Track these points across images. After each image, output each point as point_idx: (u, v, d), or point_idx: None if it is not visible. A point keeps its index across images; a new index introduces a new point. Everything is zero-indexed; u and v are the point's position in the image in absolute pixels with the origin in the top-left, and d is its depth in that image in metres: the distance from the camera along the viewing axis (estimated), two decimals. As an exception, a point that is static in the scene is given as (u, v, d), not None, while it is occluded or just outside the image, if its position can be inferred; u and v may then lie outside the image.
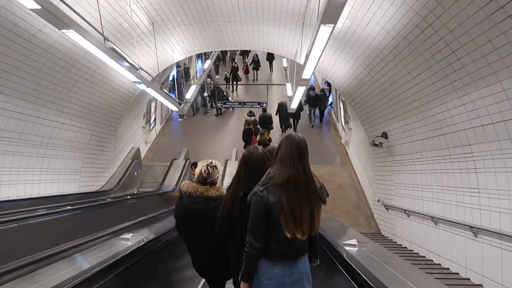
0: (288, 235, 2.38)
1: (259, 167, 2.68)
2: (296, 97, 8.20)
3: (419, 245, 7.91)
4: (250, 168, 2.73)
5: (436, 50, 5.92)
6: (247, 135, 12.62)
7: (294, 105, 9.29)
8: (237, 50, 24.19)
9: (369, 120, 9.95)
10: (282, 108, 14.35)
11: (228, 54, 24.12)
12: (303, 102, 17.33)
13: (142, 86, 7.02)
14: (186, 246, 3.31)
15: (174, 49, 9.83)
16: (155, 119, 15.70)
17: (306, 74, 6.37)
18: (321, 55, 5.64)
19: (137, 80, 6.65)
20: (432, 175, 7.33)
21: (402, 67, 7.13)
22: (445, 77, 6.14)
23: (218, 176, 3.20)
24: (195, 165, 9.01)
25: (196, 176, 3.14)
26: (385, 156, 9.82)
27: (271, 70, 24.09)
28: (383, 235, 9.93)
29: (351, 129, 14.28)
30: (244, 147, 12.66)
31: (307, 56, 5.90)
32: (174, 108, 9.46)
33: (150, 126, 14.94)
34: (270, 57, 24.41)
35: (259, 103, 12.83)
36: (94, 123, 9.77)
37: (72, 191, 9.31)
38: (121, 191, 10.99)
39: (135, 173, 12.35)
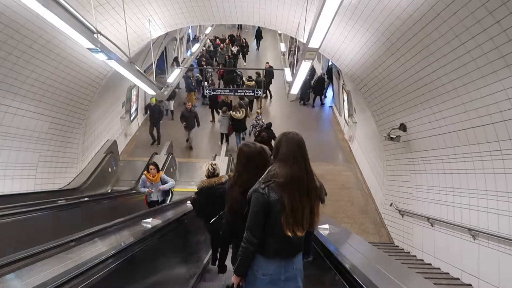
0: (289, 233, 2.40)
1: (259, 161, 2.79)
2: (299, 77, 6.66)
3: (448, 262, 6.38)
4: (249, 162, 2.83)
5: (480, 16, 4.39)
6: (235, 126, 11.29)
7: (295, 89, 7.75)
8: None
9: (382, 110, 8.40)
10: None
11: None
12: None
13: (101, 56, 5.41)
14: (204, 222, 4.46)
15: (151, 20, 8.21)
16: (136, 109, 14.04)
17: (315, 41, 4.80)
18: (335, 15, 4.08)
19: (92, 46, 5.04)
20: (470, 176, 5.79)
21: (431, 41, 5.59)
22: (493, 50, 4.61)
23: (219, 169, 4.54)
24: (155, 165, 7.17)
25: (206, 173, 4.50)
26: (401, 152, 8.29)
27: (258, 48, 25.35)
28: (397, 246, 8.41)
29: (356, 123, 12.75)
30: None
31: (316, 16, 4.33)
32: (151, 91, 7.90)
33: (130, 117, 13.30)
34: (259, 35, 25.68)
35: (253, 91, 11.28)
36: (55, 109, 8.13)
37: (26, 190, 7.70)
38: (90, 190, 9.35)
39: (109, 169, 10.72)
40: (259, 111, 12.83)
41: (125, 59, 6.83)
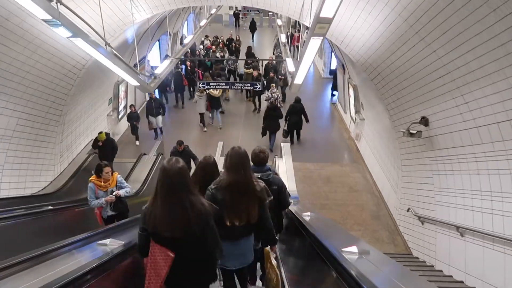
0: (228, 223, 3.08)
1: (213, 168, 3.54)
2: (305, 62, 5.61)
3: (486, 280, 5.33)
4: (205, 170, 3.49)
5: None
6: None
7: (300, 78, 6.71)
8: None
9: (399, 102, 7.36)
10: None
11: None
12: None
13: (62, 32, 4.37)
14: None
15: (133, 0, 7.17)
16: (125, 106, 12.98)
17: (328, 9, 3.76)
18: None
19: (49, 17, 4.00)
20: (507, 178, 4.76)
21: (469, 12, 4.54)
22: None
23: None
24: (99, 170, 5.83)
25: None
26: (420, 150, 7.25)
27: (252, 40, 25.35)
28: (417, 258, 7.36)
29: (363, 120, 11.71)
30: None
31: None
32: (134, 82, 6.86)
33: (118, 115, 12.24)
34: (253, 26, 26.43)
35: (251, 84, 10.24)
36: (23, 102, 7.08)
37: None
38: (69, 195, 8.30)
39: (92, 171, 9.63)
40: (274, 84, 13.12)
41: (102, 42, 5.79)
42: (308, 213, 4.64)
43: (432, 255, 6.88)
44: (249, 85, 10.23)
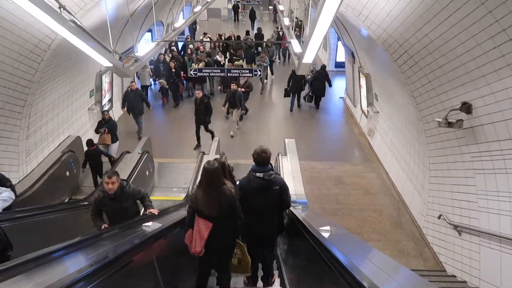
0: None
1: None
2: (318, 32, 4.30)
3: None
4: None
5: None
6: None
7: (310, 56, 5.39)
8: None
9: (431, 86, 6.03)
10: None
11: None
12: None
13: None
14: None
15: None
16: (111, 100, 11.67)
17: None
18: None
19: None
20: None
21: None
22: None
23: None
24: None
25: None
26: (458, 144, 5.93)
27: (253, 28, 24.43)
28: (453, 276, 6.03)
29: (378, 112, 10.38)
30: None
31: None
32: (105, 62, 5.55)
33: (102, 109, 10.92)
34: (253, 15, 26.53)
35: (250, 71, 8.94)
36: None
37: None
38: (36, 200, 6.99)
39: (68, 173, 8.34)
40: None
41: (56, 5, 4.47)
42: (327, 228, 3.50)
43: (475, 274, 5.55)
44: (248, 72, 8.94)
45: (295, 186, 7.14)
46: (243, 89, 11.62)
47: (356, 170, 9.72)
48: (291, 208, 4.80)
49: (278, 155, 8.53)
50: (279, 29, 21.03)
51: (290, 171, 7.83)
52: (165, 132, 11.96)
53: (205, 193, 3.56)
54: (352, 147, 11.24)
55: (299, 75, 11.97)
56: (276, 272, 4.96)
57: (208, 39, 18.01)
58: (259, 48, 16.03)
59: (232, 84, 10.69)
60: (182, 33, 23.48)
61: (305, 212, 5.81)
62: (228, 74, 9.10)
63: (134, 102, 10.68)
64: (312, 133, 11.90)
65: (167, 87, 13.12)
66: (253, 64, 15.33)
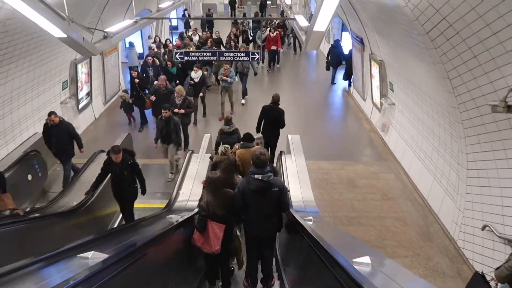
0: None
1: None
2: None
3: None
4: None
5: None
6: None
7: (323, 24, 4.10)
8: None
9: (477, 61, 4.70)
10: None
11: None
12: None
13: None
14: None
15: None
16: (90, 94, 10.32)
17: None
18: None
19: None
20: None
21: None
22: None
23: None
24: None
25: (220, 153, 6.15)
26: (509, 136, 4.62)
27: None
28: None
29: (393, 104, 9.07)
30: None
31: None
32: (57, 32, 4.22)
33: (78, 104, 9.59)
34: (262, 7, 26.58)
35: (246, 54, 7.60)
36: None
37: None
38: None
39: (30, 177, 7.00)
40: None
41: None
42: (367, 261, 2.36)
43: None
44: (244, 55, 7.62)
45: (302, 191, 5.84)
46: (182, 111, 8.24)
47: (370, 171, 8.39)
48: (298, 219, 4.19)
49: (280, 154, 7.22)
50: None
51: (295, 172, 6.52)
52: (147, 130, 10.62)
53: (214, 197, 4.07)
54: (363, 145, 9.93)
55: (337, 50, 12.98)
56: (275, 274, 4.83)
57: (197, 37, 15.79)
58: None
59: (164, 111, 7.29)
60: (176, 28, 22.25)
61: (318, 225, 4.50)
62: (221, 58, 7.79)
63: (58, 142, 7.08)
64: (316, 129, 10.58)
65: (130, 101, 9.82)
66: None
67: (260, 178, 3.88)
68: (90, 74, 10.07)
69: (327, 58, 14.14)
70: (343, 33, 16.23)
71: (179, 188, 6.07)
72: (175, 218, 4.66)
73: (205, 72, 10.88)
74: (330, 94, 13.82)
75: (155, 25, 16.18)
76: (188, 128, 8.84)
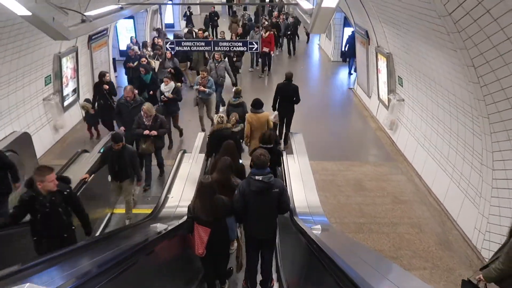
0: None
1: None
2: None
3: None
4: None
5: None
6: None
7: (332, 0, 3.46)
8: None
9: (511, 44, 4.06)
10: None
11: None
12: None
13: None
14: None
15: None
16: (77, 91, 9.65)
17: None
18: None
19: None
20: None
21: None
22: None
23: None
24: None
25: (216, 122, 6.11)
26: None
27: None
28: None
29: (402, 100, 8.42)
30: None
31: None
32: (19, 9, 3.57)
33: (63, 101, 8.92)
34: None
35: (244, 43, 6.91)
36: None
37: None
38: None
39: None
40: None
41: None
42: None
43: None
44: (241, 44, 6.93)
45: (307, 195, 5.18)
46: (154, 133, 6.38)
47: (378, 172, 7.73)
48: (304, 228, 3.81)
49: (282, 153, 6.55)
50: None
51: (298, 174, 5.85)
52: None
53: (202, 203, 3.87)
54: (369, 144, 9.28)
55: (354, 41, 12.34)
56: (274, 276, 4.66)
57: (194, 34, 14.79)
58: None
59: (116, 144, 5.47)
60: (171, 25, 21.51)
61: (327, 234, 3.84)
62: (216, 48, 7.10)
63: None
64: (318, 128, 9.93)
65: (92, 111, 8.37)
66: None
67: (260, 179, 3.86)
68: (76, 70, 9.39)
69: (344, 48, 14.47)
70: (345, 29, 15.58)
71: (168, 191, 5.39)
72: (160, 227, 4.00)
73: (179, 84, 8.56)
74: (331, 91, 13.16)
75: (149, 18, 15.48)
76: (162, 152, 7.04)
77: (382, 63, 9.14)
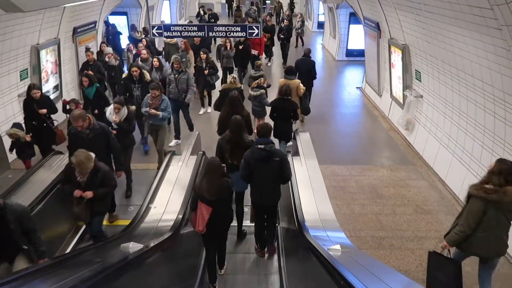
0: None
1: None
2: None
3: None
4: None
5: None
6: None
7: None
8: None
9: None
10: None
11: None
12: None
13: None
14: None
15: None
16: (59, 87, 8.75)
17: None
18: None
19: None
20: None
21: None
22: None
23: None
24: None
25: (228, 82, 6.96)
26: None
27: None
28: None
29: (420, 97, 7.53)
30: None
31: None
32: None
33: (43, 98, 8.00)
34: None
35: (243, 27, 6.02)
36: None
37: None
38: None
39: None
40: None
41: None
42: None
43: None
44: (239, 29, 6.02)
45: (318, 205, 4.29)
46: (89, 194, 4.13)
47: (396, 177, 6.81)
48: (319, 250, 3.07)
49: (287, 155, 5.64)
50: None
51: (306, 179, 4.95)
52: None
53: (208, 182, 3.92)
54: (382, 146, 8.36)
55: None
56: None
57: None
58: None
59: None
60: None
61: (349, 260, 2.93)
62: (210, 34, 6.19)
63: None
64: (325, 128, 9.04)
65: (28, 138, 6.03)
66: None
67: (262, 147, 4.22)
68: (59, 64, 8.51)
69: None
70: (351, 26, 14.75)
71: (151, 200, 4.46)
72: (132, 248, 3.08)
73: (133, 108, 6.14)
74: (338, 90, 12.27)
75: (144, 16, 14.60)
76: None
77: (397, 56, 8.26)
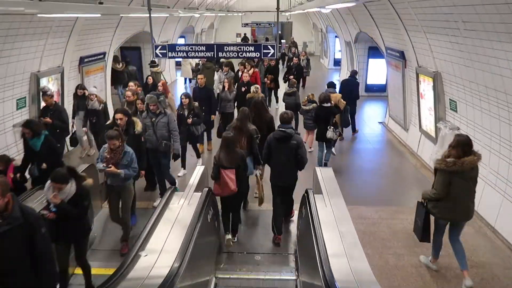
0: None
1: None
2: None
3: None
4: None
5: None
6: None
7: None
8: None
9: None
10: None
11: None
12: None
13: None
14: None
15: None
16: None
17: None
18: None
19: None
20: None
21: None
22: None
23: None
24: None
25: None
26: None
27: None
28: None
29: (457, 129, 6.68)
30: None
31: None
32: None
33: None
34: None
35: (257, 47, 5.30)
36: None
37: None
38: None
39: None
40: None
41: None
42: None
43: None
44: (252, 49, 5.35)
45: (349, 258, 3.35)
46: None
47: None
48: None
49: (306, 192, 4.79)
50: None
51: (332, 222, 4.07)
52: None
53: (226, 153, 4.81)
54: (414, 185, 7.42)
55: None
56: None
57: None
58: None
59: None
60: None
61: None
62: (220, 54, 5.57)
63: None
64: (348, 165, 8.20)
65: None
66: None
67: (283, 129, 5.00)
68: (61, 94, 8.03)
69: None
70: (370, 60, 14.22)
71: (142, 246, 3.61)
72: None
73: (90, 181, 4.07)
74: (358, 124, 11.48)
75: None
76: None
77: (426, 86, 7.51)
